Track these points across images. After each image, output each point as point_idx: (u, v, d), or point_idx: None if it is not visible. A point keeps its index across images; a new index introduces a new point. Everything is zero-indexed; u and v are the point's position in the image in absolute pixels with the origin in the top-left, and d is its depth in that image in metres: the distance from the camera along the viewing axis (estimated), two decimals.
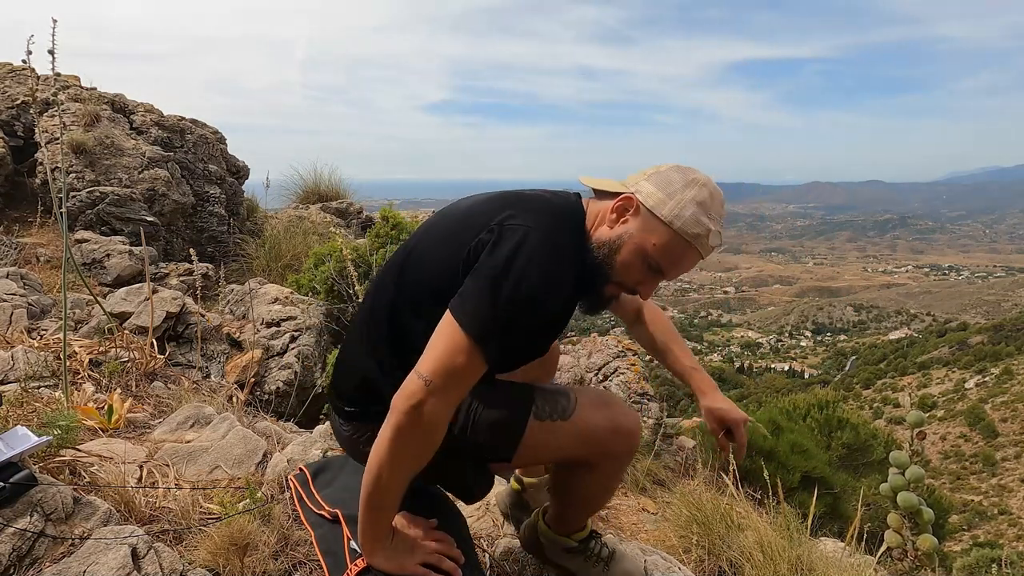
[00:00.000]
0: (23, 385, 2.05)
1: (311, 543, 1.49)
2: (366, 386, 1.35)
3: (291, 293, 3.86)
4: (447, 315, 1.17)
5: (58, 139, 4.31)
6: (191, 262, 3.34)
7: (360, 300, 2.63)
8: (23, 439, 1.38)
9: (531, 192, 1.35)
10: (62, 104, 4.88)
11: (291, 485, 1.71)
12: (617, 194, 1.29)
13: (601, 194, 1.35)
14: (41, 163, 4.50)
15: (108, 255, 3.88)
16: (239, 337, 3.37)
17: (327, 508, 1.56)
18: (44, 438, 1.42)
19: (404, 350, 1.27)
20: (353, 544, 1.40)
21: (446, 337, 1.15)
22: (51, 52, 1.85)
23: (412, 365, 1.18)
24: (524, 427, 1.32)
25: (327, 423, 2.26)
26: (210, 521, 1.52)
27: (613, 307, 1.60)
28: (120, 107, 5.39)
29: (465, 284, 1.18)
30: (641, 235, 1.24)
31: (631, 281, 1.29)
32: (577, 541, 1.57)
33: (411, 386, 1.14)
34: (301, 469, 1.76)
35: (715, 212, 1.23)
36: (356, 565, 1.33)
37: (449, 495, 1.54)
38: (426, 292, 1.27)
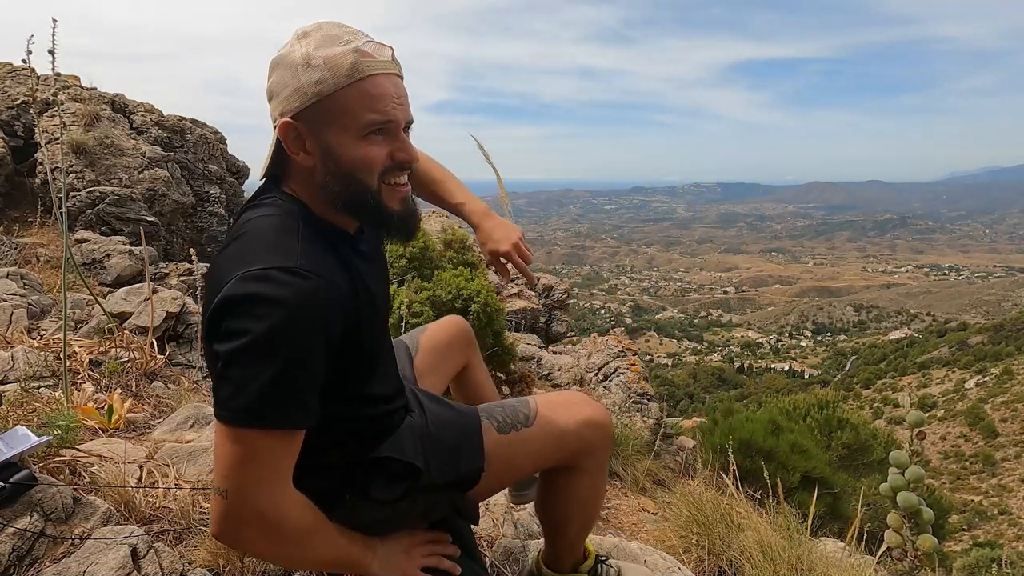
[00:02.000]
0: (23, 385, 2.05)
1: None
2: None
3: None
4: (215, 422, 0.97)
5: (58, 139, 4.31)
6: (191, 262, 3.34)
7: None
8: (23, 439, 1.38)
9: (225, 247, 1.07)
10: (62, 104, 4.88)
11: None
12: (279, 146, 1.05)
13: (277, 162, 1.09)
14: (41, 163, 4.50)
15: (108, 255, 3.88)
16: None
17: None
18: (44, 438, 1.42)
19: None
20: None
21: (216, 439, 0.96)
22: (51, 52, 1.85)
23: None
24: (480, 447, 1.25)
25: None
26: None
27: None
28: (120, 107, 5.39)
29: (214, 379, 0.98)
30: (331, 132, 1.01)
31: (380, 162, 1.03)
32: (586, 572, 1.53)
33: (214, 509, 0.97)
34: None
35: (341, 35, 1.01)
36: None
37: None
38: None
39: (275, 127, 1.03)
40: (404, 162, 1.06)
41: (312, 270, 0.96)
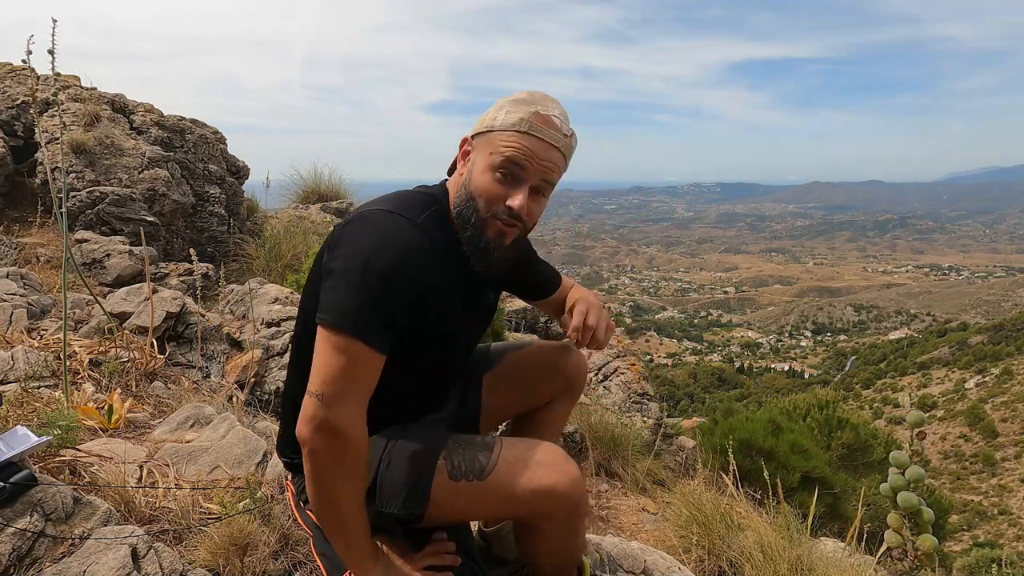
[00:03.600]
0: (23, 385, 2.05)
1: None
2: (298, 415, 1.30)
3: (291, 293, 3.86)
4: (318, 328, 1.13)
5: (58, 139, 4.31)
6: (191, 262, 3.34)
7: None
8: (23, 439, 1.38)
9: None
10: (62, 104, 4.88)
11: (288, 486, 1.70)
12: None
13: (454, 165, 1.35)
14: (41, 163, 4.50)
15: (108, 255, 3.88)
16: (239, 337, 3.37)
17: None
18: (44, 438, 1.42)
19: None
20: None
21: (320, 345, 1.12)
22: (51, 52, 1.85)
23: None
24: (425, 495, 1.22)
25: None
26: (210, 521, 1.52)
27: (542, 305, 1.60)
28: (120, 107, 5.39)
29: (321, 291, 1.16)
30: (480, 155, 1.24)
31: (494, 199, 1.22)
32: None
33: (307, 409, 1.11)
34: None
35: (537, 101, 1.23)
36: None
37: None
38: (310, 316, 1.21)
39: None
40: (511, 208, 1.21)
41: (427, 231, 1.19)
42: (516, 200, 1.21)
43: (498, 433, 1.79)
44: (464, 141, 1.30)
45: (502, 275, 1.41)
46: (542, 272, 1.59)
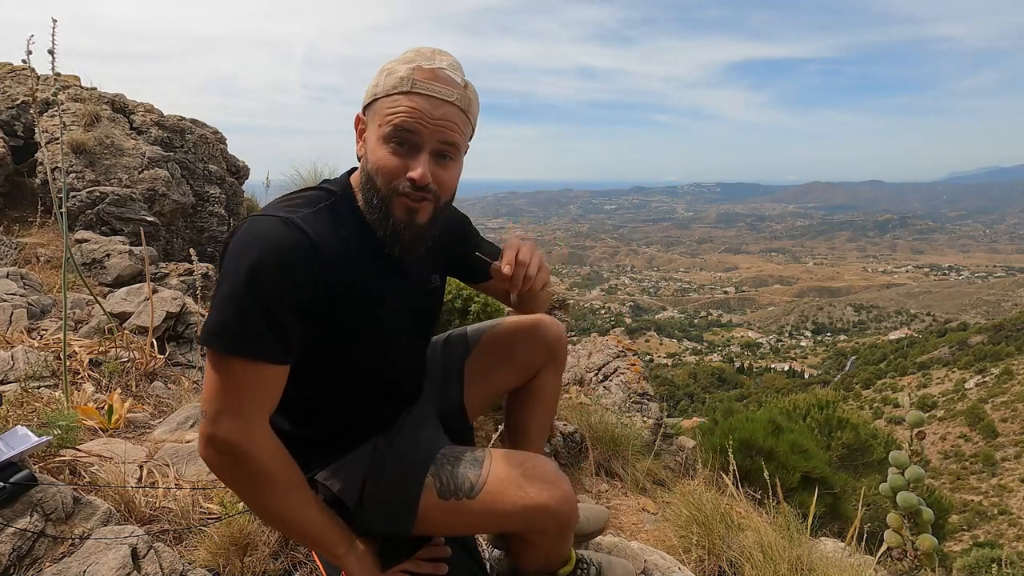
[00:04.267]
0: (23, 385, 2.05)
1: None
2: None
3: None
4: None
5: (58, 139, 4.31)
6: (191, 262, 3.34)
7: None
8: (23, 439, 1.38)
9: None
10: (62, 104, 4.88)
11: None
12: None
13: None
14: (41, 163, 4.50)
15: (108, 255, 3.88)
16: None
17: None
18: (44, 438, 1.42)
19: None
20: None
21: (206, 366, 1.06)
22: (51, 52, 1.85)
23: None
24: (412, 514, 1.19)
25: None
26: (210, 521, 1.52)
27: (487, 287, 1.47)
28: (120, 107, 5.39)
29: None
30: (371, 129, 1.12)
31: (393, 173, 1.09)
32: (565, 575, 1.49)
33: (199, 429, 1.07)
34: None
35: (419, 56, 1.10)
36: None
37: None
38: None
39: None
40: (414, 180, 1.08)
41: (303, 227, 1.06)
42: (416, 170, 1.08)
43: (495, 439, 1.79)
44: (357, 120, 1.17)
45: (433, 256, 1.30)
46: (486, 252, 1.43)
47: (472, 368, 1.51)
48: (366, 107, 1.13)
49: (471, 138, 1.19)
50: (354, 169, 1.21)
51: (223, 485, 1.69)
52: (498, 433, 1.80)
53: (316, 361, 1.13)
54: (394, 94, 1.07)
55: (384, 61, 1.14)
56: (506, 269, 1.16)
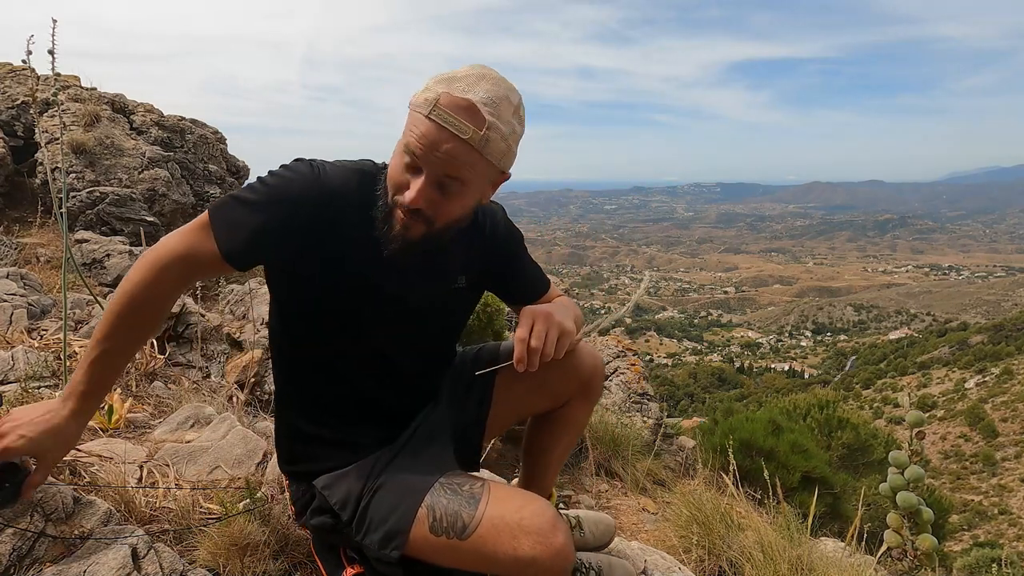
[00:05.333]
0: (23, 385, 2.05)
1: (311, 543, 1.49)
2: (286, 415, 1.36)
3: None
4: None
5: (58, 139, 4.31)
6: None
7: None
8: None
9: None
10: (62, 104, 4.88)
11: (287, 486, 1.71)
12: None
13: None
14: (41, 163, 4.50)
15: (108, 255, 3.88)
16: (239, 337, 3.37)
17: None
18: None
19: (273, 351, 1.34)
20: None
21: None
22: (51, 52, 1.85)
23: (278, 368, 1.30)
24: (404, 539, 1.16)
25: None
26: (210, 521, 1.52)
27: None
28: (120, 107, 5.39)
29: None
30: (403, 133, 1.13)
31: (398, 187, 1.12)
32: None
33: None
34: None
35: (458, 79, 1.07)
36: (353, 568, 1.33)
37: None
38: (279, 306, 1.29)
39: None
40: (403, 202, 1.10)
41: (323, 169, 1.15)
42: (407, 193, 1.09)
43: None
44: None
45: (468, 256, 1.30)
46: (527, 276, 1.43)
47: (500, 388, 1.46)
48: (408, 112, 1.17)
49: (503, 171, 1.16)
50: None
51: (225, 484, 1.70)
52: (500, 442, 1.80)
53: (305, 328, 1.21)
54: (417, 112, 1.08)
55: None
56: (519, 367, 1.16)
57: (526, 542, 1.09)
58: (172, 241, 1.11)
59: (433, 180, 1.08)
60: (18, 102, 5.08)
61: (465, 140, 1.05)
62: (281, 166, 1.16)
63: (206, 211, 1.12)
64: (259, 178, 1.15)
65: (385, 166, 1.20)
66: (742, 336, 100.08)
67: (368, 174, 1.19)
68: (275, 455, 1.86)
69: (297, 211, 1.11)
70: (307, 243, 1.13)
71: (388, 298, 1.21)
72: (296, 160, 1.17)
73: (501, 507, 1.14)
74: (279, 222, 1.10)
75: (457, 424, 1.42)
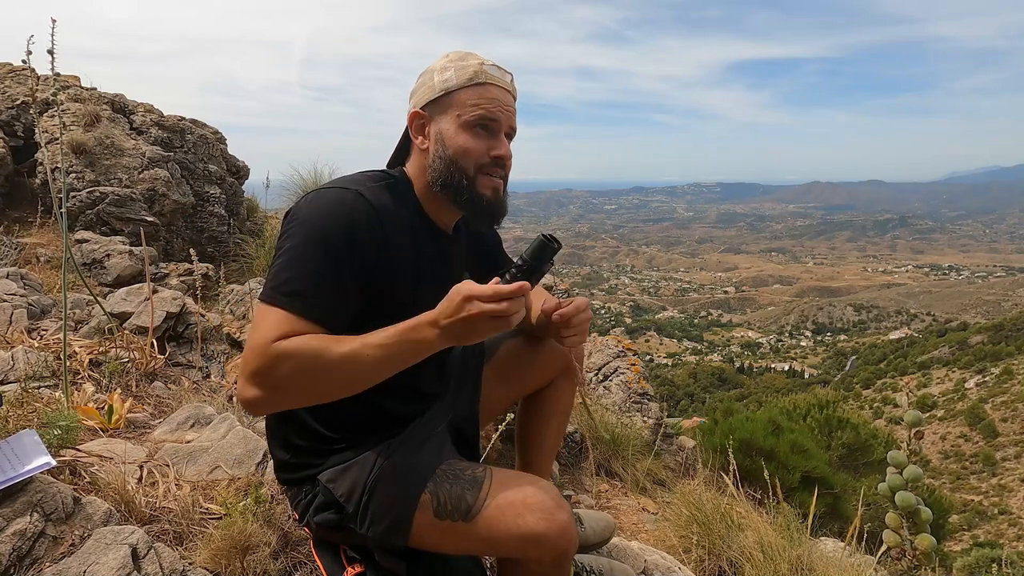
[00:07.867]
0: (23, 385, 2.05)
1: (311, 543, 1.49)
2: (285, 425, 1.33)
3: None
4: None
5: (58, 139, 4.31)
6: (191, 262, 3.34)
7: None
8: (32, 448, 1.37)
9: None
10: (62, 104, 4.88)
11: (284, 492, 1.70)
12: (405, 136, 1.32)
13: (399, 152, 1.35)
14: (41, 163, 4.50)
15: (108, 255, 3.88)
16: (239, 337, 3.37)
17: None
18: (51, 461, 1.35)
19: None
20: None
21: (258, 314, 1.12)
22: (51, 52, 1.85)
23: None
24: (408, 525, 1.18)
25: None
26: (210, 521, 1.52)
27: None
28: (120, 107, 5.39)
29: None
30: (446, 120, 1.24)
31: (479, 154, 1.23)
32: None
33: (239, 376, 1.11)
34: None
35: (472, 56, 1.26)
36: (353, 568, 1.33)
37: None
38: None
39: (407, 118, 1.28)
40: (499, 157, 1.24)
41: (366, 195, 1.16)
42: (502, 148, 1.25)
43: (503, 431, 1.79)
44: (416, 115, 1.27)
45: (466, 251, 1.42)
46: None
47: (488, 375, 1.53)
48: (431, 103, 1.25)
49: None
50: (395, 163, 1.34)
51: (225, 484, 1.70)
52: (498, 433, 1.80)
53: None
54: (471, 86, 1.22)
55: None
56: (556, 317, 1.29)
57: (531, 518, 1.11)
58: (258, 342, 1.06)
59: (506, 133, 1.26)
60: (18, 102, 5.08)
61: (511, 92, 1.27)
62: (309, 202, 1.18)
63: (267, 299, 1.09)
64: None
65: (384, 170, 1.31)
66: (742, 336, 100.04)
67: (389, 181, 1.27)
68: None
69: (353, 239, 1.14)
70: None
71: (428, 292, 1.17)
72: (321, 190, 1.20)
73: (505, 487, 1.17)
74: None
75: (454, 413, 1.45)
